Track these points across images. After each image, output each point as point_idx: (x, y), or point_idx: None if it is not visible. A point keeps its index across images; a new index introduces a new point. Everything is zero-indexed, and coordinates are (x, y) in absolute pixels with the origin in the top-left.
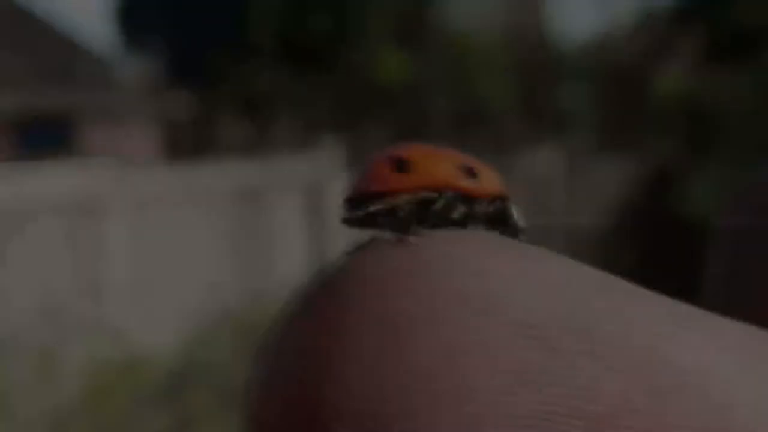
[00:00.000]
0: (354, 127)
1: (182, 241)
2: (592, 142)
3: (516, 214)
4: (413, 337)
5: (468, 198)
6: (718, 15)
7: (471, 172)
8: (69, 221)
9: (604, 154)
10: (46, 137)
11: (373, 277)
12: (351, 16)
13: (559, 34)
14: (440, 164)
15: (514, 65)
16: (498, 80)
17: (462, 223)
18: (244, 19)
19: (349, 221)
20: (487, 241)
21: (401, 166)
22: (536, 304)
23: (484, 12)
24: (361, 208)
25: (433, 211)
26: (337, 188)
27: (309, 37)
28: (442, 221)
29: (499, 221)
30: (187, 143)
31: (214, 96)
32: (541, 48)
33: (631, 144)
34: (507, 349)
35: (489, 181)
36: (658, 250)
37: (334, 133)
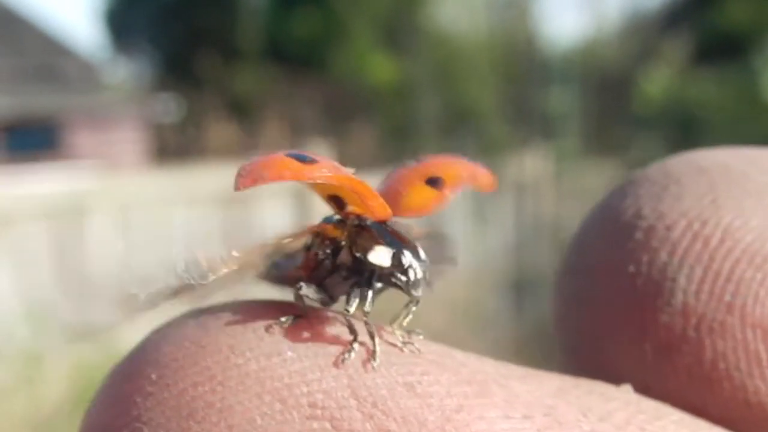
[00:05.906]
0: (341, 129)
1: (169, 244)
2: (580, 145)
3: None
4: (209, 426)
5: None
6: (704, 19)
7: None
8: (55, 224)
9: (591, 157)
10: (32, 139)
11: (169, 360)
12: (338, 18)
13: (547, 37)
14: None
15: (501, 68)
16: (485, 83)
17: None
18: (231, 23)
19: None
20: (269, 316)
21: None
22: (324, 384)
23: (472, 15)
24: None
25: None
26: None
27: (296, 39)
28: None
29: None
30: (174, 146)
31: (201, 99)
32: (528, 51)
33: (618, 147)
34: None
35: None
36: None
37: (321, 135)
